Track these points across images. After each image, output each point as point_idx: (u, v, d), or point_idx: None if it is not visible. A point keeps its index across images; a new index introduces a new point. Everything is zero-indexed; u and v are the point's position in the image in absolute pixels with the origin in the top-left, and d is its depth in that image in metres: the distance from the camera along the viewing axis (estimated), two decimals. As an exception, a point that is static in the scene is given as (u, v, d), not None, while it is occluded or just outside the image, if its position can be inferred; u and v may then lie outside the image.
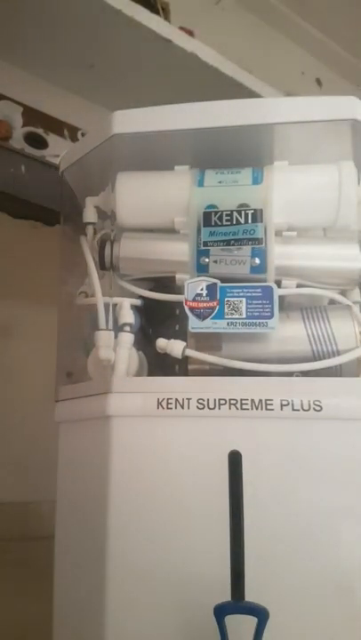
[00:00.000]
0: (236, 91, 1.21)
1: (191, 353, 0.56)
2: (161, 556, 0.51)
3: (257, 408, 0.51)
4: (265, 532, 0.50)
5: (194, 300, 0.56)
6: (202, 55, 1.14)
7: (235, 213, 0.57)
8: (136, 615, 0.50)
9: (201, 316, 0.55)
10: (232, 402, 0.51)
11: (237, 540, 0.49)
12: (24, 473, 1.17)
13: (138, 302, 0.62)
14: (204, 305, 0.55)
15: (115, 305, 0.61)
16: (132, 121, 0.59)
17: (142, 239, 0.63)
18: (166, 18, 1.17)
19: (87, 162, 0.64)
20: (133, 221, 0.62)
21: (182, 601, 0.50)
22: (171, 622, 0.50)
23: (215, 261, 0.57)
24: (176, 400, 0.52)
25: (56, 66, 1.15)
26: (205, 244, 0.57)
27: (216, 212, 0.57)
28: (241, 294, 0.55)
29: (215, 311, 0.55)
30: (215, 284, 0.56)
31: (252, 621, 0.46)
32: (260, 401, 0.51)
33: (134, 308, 0.61)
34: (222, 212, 0.57)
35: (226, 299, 0.55)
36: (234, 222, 0.56)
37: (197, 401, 0.52)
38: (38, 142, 1.07)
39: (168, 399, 0.52)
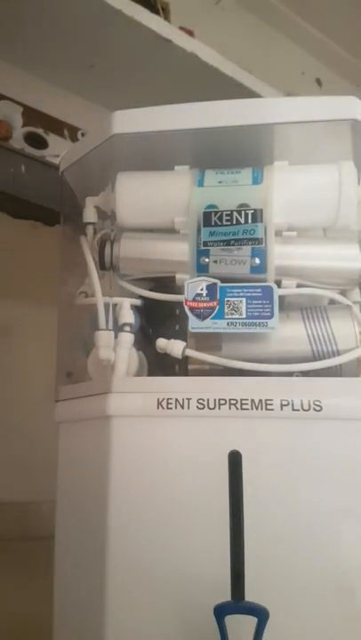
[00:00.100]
0: (236, 91, 1.21)
1: (191, 353, 0.56)
2: (161, 556, 0.51)
3: (257, 408, 0.51)
4: (265, 532, 0.50)
5: (194, 300, 0.56)
6: (202, 55, 1.14)
7: (235, 213, 0.57)
8: (136, 615, 0.50)
9: (201, 315, 0.55)
10: (232, 402, 0.51)
11: (237, 540, 0.49)
12: (24, 473, 1.17)
13: (138, 302, 0.62)
14: (204, 305, 0.55)
15: (115, 305, 0.61)
16: (132, 121, 0.59)
17: (142, 239, 0.63)
18: (166, 18, 1.17)
19: (87, 162, 0.64)
20: (133, 221, 0.62)
21: (182, 601, 0.50)
22: (171, 622, 0.50)
23: (215, 261, 0.57)
24: (176, 400, 0.52)
25: (56, 66, 1.15)
26: (205, 244, 0.57)
27: (216, 212, 0.57)
28: (241, 294, 0.55)
29: (215, 311, 0.55)
30: (215, 284, 0.56)
31: (252, 621, 0.46)
32: (260, 401, 0.51)
33: (134, 307, 0.61)
34: (222, 211, 0.57)
35: (226, 299, 0.55)
36: (234, 222, 0.56)
37: (197, 401, 0.52)
38: (38, 142, 1.07)
39: (168, 399, 0.52)
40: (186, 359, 0.57)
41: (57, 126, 1.14)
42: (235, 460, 0.50)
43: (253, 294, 0.55)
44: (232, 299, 0.55)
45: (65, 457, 0.60)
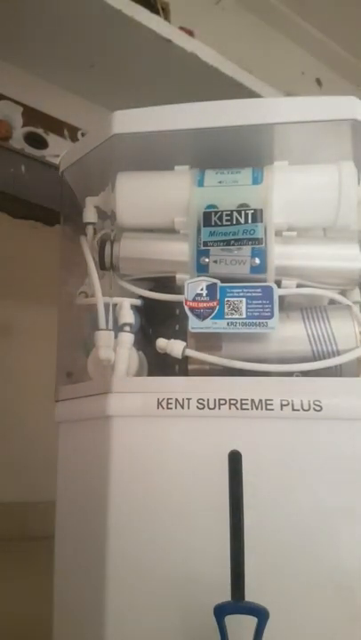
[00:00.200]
0: (236, 91, 1.21)
1: (191, 353, 0.56)
2: (161, 556, 0.51)
3: (257, 408, 0.51)
4: (265, 532, 0.50)
5: (194, 300, 0.56)
6: (202, 55, 1.14)
7: (235, 213, 0.57)
8: (136, 615, 0.50)
9: (201, 316, 0.55)
10: (232, 402, 0.51)
11: (237, 540, 0.49)
12: (24, 473, 1.17)
13: (138, 302, 0.62)
14: (204, 305, 0.55)
15: (115, 305, 0.61)
16: (132, 121, 0.59)
17: (142, 239, 0.63)
18: (166, 18, 1.17)
19: (87, 162, 0.64)
20: (133, 221, 0.62)
21: (182, 601, 0.50)
22: (171, 622, 0.50)
23: (215, 261, 0.57)
24: (176, 400, 0.52)
25: (56, 66, 1.15)
26: (205, 244, 0.57)
27: (216, 212, 0.57)
28: (241, 294, 0.55)
29: (215, 311, 0.55)
30: (215, 284, 0.56)
31: (252, 621, 0.46)
32: (260, 401, 0.51)
33: (134, 307, 0.61)
34: (222, 212, 0.57)
35: (226, 299, 0.55)
36: (234, 222, 0.56)
37: (197, 401, 0.52)
38: (38, 142, 1.07)
39: (168, 399, 0.52)
40: (186, 359, 0.57)
41: (57, 126, 1.14)
42: (235, 459, 0.50)
43: (253, 294, 0.55)
44: (232, 299, 0.55)
45: (65, 457, 0.60)
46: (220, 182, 0.59)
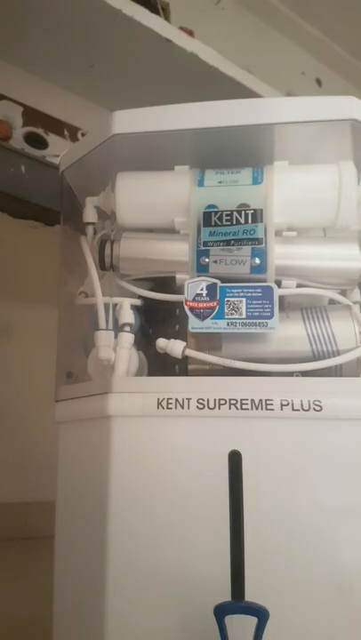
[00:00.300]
0: (236, 91, 1.21)
1: (191, 353, 0.56)
2: (161, 556, 0.51)
3: (257, 408, 0.51)
4: (265, 531, 0.50)
5: (194, 300, 0.56)
6: (202, 55, 1.14)
7: (235, 213, 0.57)
8: (136, 615, 0.50)
9: (201, 315, 0.55)
10: (232, 402, 0.51)
11: (237, 539, 0.49)
12: (24, 473, 1.17)
13: (138, 302, 0.62)
14: (204, 305, 0.55)
15: (115, 305, 0.61)
16: (132, 121, 0.59)
17: (142, 239, 0.63)
18: (166, 18, 1.17)
19: (87, 162, 0.64)
20: (133, 221, 0.62)
21: (182, 601, 0.50)
22: (171, 622, 0.50)
23: (215, 261, 0.57)
24: (176, 400, 0.52)
25: (56, 66, 1.15)
26: (205, 244, 0.57)
27: (216, 212, 0.57)
28: (241, 294, 0.55)
29: (215, 311, 0.55)
30: (215, 284, 0.56)
31: (252, 621, 0.46)
32: (260, 401, 0.51)
33: (134, 307, 0.61)
34: (222, 212, 0.57)
35: (226, 299, 0.55)
36: (234, 222, 0.56)
37: (197, 401, 0.52)
38: (38, 142, 1.07)
39: (168, 399, 0.52)
40: (186, 359, 0.57)
41: (57, 126, 1.14)
42: (235, 459, 0.50)
43: (253, 294, 0.55)
44: (232, 299, 0.55)
45: (65, 457, 0.60)
46: (220, 182, 0.59)
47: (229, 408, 0.51)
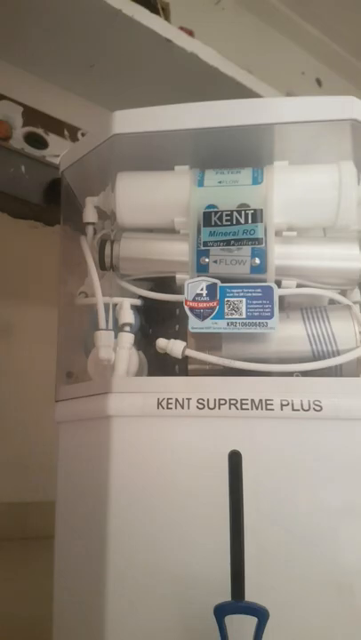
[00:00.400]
0: (236, 91, 1.21)
1: (191, 353, 0.56)
2: (161, 556, 0.51)
3: (257, 408, 0.51)
4: (265, 531, 0.50)
5: (194, 300, 0.56)
6: (202, 55, 1.14)
7: (235, 213, 0.57)
8: (136, 615, 0.50)
9: (201, 315, 0.55)
10: (232, 402, 0.51)
11: (237, 539, 0.49)
12: (24, 473, 1.17)
13: (138, 302, 0.62)
14: (204, 305, 0.55)
15: (115, 305, 0.61)
16: (132, 121, 0.59)
17: (142, 239, 0.63)
18: (166, 18, 1.17)
19: (87, 162, 0.64)
20: (133, 221, 0.62)
21: (182, 601, 0.50)
22: (171, 622, 0.50)
23: (215, 261, 0.57)
24: (176, 400, 0.52)
25: (56, 66, 1.15)
26: (205, 244, 0.57)
27: (216, 212, 0.57)
28: (241, 294, 0.55)
29: (215, 311, 0.55)
30: (215, 284, 0.56)
31: (252, 621, 0.46)
32: (260, 401, 0.51)
33: (134, 307, 0.61)
34: (222, 212, 0.57)
35: (226, 299, 0.55)
36: (234, 222, 0.56)
37: (197, 401, 0.52)
38: (38, 142, 1.07)
39: (168, 399, 0.52)
40: (186, 359, 0.57)
41: (57, 126, 1.14)
42: (235, 459, 0.50)
43: (253, 294, 0.55)
44: (232, 299, 0.55)
45: (65, 457, 0.60)
46: (220, 182, 0.59)
47: (229, 408, 0.51)
